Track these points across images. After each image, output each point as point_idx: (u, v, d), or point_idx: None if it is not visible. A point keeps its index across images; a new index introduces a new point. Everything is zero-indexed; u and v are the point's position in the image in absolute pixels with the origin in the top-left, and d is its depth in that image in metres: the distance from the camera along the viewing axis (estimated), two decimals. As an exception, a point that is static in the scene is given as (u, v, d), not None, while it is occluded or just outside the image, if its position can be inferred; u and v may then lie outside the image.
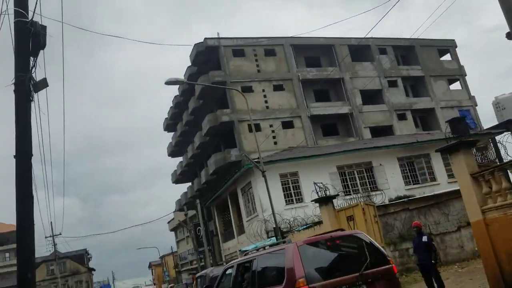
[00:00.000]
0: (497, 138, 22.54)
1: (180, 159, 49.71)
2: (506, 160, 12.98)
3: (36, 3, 6.66)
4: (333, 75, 38.82)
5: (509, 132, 19.70)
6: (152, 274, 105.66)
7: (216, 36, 38.05)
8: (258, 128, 33.76)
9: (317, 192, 18.64)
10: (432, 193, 21.19)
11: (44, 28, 6.70)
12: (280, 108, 37.26)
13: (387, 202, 21.21)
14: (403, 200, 20.34)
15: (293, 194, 24.69)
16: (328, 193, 18.58)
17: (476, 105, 44.67)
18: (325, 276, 6.71)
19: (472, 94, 45.11)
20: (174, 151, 51.00)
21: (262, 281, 7.60)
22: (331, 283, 6.61)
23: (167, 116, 50.04)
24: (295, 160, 25.53)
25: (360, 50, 41.07)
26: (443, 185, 25.66)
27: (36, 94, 6.68)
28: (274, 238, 19.30)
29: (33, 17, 6.63)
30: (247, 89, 35.48)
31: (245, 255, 9.24)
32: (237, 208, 29.43)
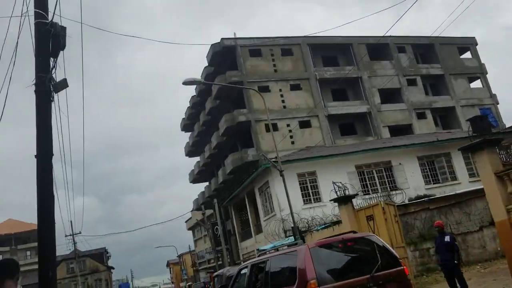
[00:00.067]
0: (520, 136, 22.10)
1: (198, 158, 50.00)
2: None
3: (56, 4, 6.70)
4: (351, 74, 38.56)
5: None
6: (170, 273, 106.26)
7: (233, 36, 38.09)
8: (275, 127, 33.70)
9: (336, 192, 18.46)
10: (453, 193, 20.89)
11: (64, 29, 6.73)
12: (297, 107, 37.13)
13: (407, 201, 20.97)
14: (423, 199, 20.10)
15: (311, 194, 24.54)
16: (347, 193, 18.38)
17: (498, 103, 44.01)
18: (336, 278, 6.74)
19: (493, 92, 44.40)
20: (191, 151, 51.33)
21: (275, 281, 7.70)
22: (342, 285, 6.63)
23: (184, 117, 50.34)
24: (313, 160, 25.37)
25: (378, 48, 40.72)
26: (464, 184, 25.23)
27: (56, 94, 6.71)
28: (292, 237, 19.23)
29: (53, 18, 6.66)
30: (264, 89, 35.44)
31: (260, 254, 9.27)
32: (254, 208, 29.43)
